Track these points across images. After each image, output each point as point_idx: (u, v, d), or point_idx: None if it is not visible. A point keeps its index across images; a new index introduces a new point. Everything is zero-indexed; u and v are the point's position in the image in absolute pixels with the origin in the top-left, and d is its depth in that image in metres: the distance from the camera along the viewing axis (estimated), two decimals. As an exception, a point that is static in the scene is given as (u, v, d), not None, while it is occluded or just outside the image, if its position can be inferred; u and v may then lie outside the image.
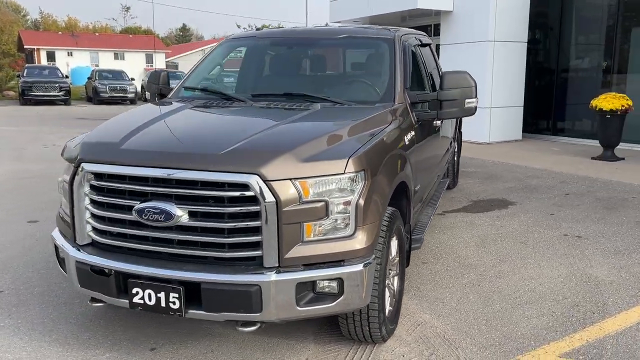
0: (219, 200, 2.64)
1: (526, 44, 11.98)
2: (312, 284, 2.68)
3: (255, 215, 2.61)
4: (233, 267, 2.67)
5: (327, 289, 2.71)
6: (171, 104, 3.84)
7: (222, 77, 4.65)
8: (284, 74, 4.27)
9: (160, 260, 2.77)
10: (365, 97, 3.79)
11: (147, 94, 5.38)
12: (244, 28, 50.76)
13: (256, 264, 2.67)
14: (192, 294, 2.66)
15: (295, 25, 16.91)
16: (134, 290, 2.73)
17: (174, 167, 2.69)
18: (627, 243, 4.97)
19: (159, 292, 2.69)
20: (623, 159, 9.37)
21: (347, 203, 2.70)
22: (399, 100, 3.73)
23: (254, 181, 2.57)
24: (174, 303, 2.67)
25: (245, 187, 2.60)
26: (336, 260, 2.71)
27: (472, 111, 3.85)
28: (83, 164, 2.89)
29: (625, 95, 9.21)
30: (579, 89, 11.97)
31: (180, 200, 2.68)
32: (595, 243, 4.97)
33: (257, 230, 2.63)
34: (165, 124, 3.30)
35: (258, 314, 2.63)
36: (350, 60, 4.36)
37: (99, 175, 2.85)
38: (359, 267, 2.71)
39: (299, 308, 2.66)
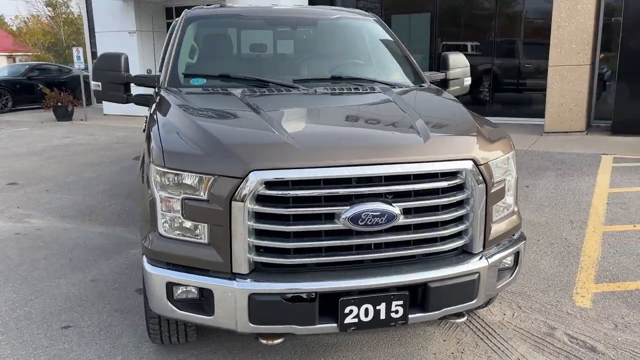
0: (433, 192, 2.47)
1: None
2: (501, 262, 2.75)
3: (462, 203, 2.54)
4: (445, 260, 2.55)
5: (507, 265, 2.81)
6: (219, 94, 3.24)
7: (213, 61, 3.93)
8: (302, 57, 3.89)
9: (366, 269, 2.44)
10: (404, 79, 3.81)
11: (95, 85, 4.07)
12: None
13: (457, 253, 2.60)
14: (413, 297, 2.46)
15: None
16: (347, 310, 2.36)
17: (378, 162, 2.38)
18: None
19: (378, 304, 2.39)
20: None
21: (510, 180, 2.83)
22: (426, 80, 3.89)
23: (468, 167, 2.49)
24: (396, 312, 2.42)
25: (454, 175, 2.50)
26: (510, 237, 2.83)
27: (468, 89, 4.26)
28: (253, 173, 2.29)
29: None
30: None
31: (394, 198, 2.40)
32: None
33: (463, 219, 2.56)
34: (305, 117, 2.88)
35: (474, 302, 2.59)
36: (358, 41, 4.22)
37: (273, 184, 2.30)
38: (524, 240, 2.90)
39: (497, 287, 2.71)
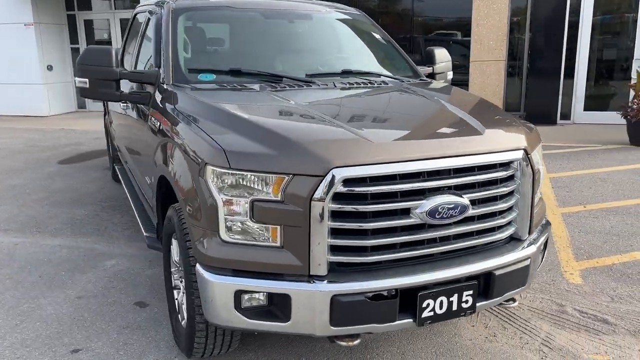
0: (493, 183, 2.54)
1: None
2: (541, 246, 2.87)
3: (514, 192, 2.64)
4: (501, 248, 2.63)
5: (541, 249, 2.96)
6: (243, 90, 3.10)
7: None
8: (303, 51, 3.76)
9: (437, 262, 2.45)
10: (406, 72, 3.85)
11: (80, 82, 3.54)
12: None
13: (507, 241, 2.70)
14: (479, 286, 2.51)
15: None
16: (425, 304, 2.36)
17: (447, 155, 2.40)
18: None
19: (452, 296, 2.42)
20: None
21: (542, 169, 2.95)
22: (422, 74, 3.97)
23: (520, 157, 2.59)
24: (466, 302, 2.46)
25: (508, 165, 2.58)
26: (542, 222, 2.99)
27: (450, 82, 4.41)
28: (334, 171, 2.20)
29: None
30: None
31: (462, 190, 2.43)
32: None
33: (514, 207, 2.65)
34: (357, 113, 2.85)
35: (525, 286, 2.70)
36: (354, 36, 4.15)
37: (352, 181, 2.23)
38: (550, 224, 3.07)
39: (536, 270, 2.85)
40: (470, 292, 2.45)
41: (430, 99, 3.10)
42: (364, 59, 3.90)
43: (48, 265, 4.13)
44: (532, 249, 2.67)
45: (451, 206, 2.35)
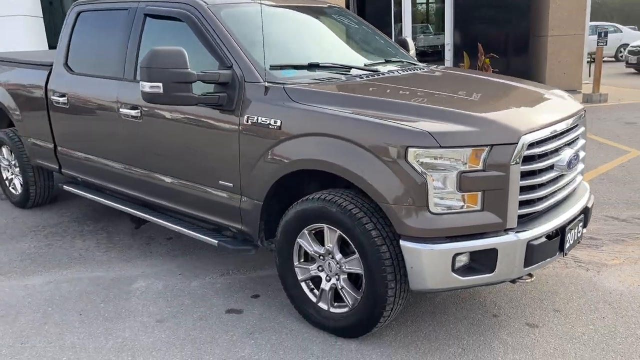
0: (580, 135, 3.26)
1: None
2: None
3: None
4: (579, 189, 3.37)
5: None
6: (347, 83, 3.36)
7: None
8: (344, 45, 3.97)
9: (564, 203, 3.08)
10: (412, 59, 4.33)
11: (152, 87, 2.91)
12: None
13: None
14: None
15: None
16: (568, 236, 2.98)
17: (563, 118, 3.01)
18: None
19: (577, 227, 3.09)
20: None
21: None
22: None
23: (583, 113, 3.36)
24: (579, 232, 3.15)
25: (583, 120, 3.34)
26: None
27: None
28: (522, 137, 2.66)
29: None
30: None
31: (572, 144, 3.10)
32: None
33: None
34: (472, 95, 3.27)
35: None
36: (358, 28, 4.38)
37: (530, 146, 2.72)
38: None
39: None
40: (581, 223, 3.15)
41: (480, 77, 3.71)
42: (386, 49, 4.28)
43: (81, 302, 3.62)
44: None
45: (575, 157, 3.00)
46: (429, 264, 2.62)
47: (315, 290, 3.13)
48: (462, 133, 2.61)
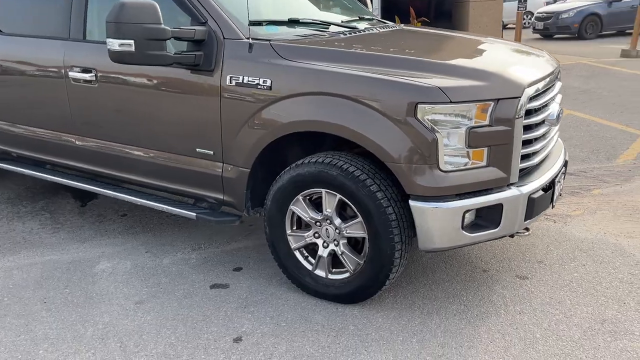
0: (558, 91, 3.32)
1: None
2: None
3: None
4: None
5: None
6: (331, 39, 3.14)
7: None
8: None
9: (551, 157, 3.14)
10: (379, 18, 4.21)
11: (122, 44, 2.45)
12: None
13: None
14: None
15: None
16: (557, 188, 3.06)
17: (549, 73, 3.05)
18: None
19: (561, 179, 3.18)
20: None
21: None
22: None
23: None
24: (561, 184, 3.25)
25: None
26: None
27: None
28: (525, 90, 2.65)
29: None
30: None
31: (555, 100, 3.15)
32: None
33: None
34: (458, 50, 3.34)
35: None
36: None
37: (530, 99, 2.73)
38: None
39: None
40: (564, 176, 3.25)
41: (456, 35, 3.68)
42: (353, 7, 4.11)
43: (41, 289, 3.26)
44: (561, 141, 3.60)
45: (560, 110, 3.06)
46: (440, 222, 2.58)
47: (310, 258, 3.01)
48: (472, 87, 2.56)
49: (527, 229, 2.92)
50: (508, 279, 3.17)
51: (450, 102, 2.48)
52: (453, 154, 2.55)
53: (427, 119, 2.49)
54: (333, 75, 2.69)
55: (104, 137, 3.55)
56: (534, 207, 2.77)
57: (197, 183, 3.26)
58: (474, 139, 2.55)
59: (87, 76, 3.40)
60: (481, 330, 2.70)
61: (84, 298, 3.14)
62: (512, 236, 2.91)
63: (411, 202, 2.59)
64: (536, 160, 2.88)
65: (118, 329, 2.83)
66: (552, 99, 3.05)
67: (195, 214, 3.27)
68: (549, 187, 2.93)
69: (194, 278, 3.32)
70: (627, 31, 17.48)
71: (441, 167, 2.55)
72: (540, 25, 17.48)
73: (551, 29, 17.02)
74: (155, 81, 3.18)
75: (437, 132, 2.50)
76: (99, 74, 3.37)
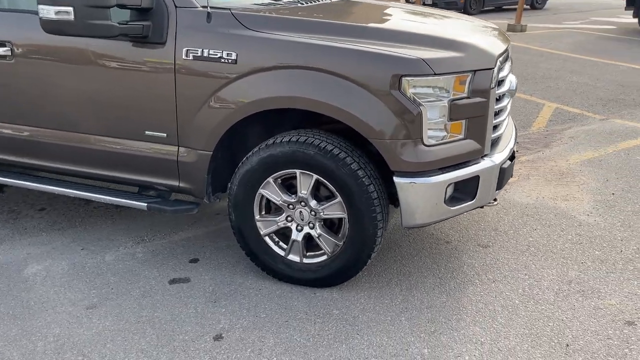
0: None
1: None
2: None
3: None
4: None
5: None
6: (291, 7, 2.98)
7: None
8: None
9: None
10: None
11: (59, 11, 1.81)
12: None
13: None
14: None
15: None
16: (516, 157, 3.15)
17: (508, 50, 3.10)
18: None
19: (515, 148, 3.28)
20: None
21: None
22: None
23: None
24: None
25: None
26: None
27: None
28: (498, 60, 2.67)
29: None
30: None
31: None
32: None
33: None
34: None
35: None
36: None
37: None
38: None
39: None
40: (516, 145, 3.35)
41: (410, 7, 3.63)
42: None
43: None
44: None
45: (515, 81, 3.12)
46: (425, 198, 2.53)
47: (282, 243, 2.85)
48: (452, 59, 2.51)
49: (495, 199, 2.97)
50: (472, 248, 3.23)
51: (435, 74, 2.42)
52: (435, 128, 2.50)
53: (412, 92, 2.41)
54: (307, 47, 2.51)
55: (24, 122, 3.07)
56: (504, 177, 2.82)
57: (146, 170, 2.93)
58: (454, 111, 2.52)
59: (0, 50, 2.90)
60: (464, 301, 2.72)
61: (20, 308, 2.73)
62: (481, 207, 2.94)
63: (396, 179, 2.51)
64: (501, 131, 2.92)
65: (74, 339, 2.49)
66: (510, 70, 3.11)
67: (146, 204, 2.95)
68: (513, 156, 3.00)
69: (147, 274, 3.02)
70: (504, 7, 18.84)
71: (425, 141, 2.49)
72: (429, 0, 18.14)
73: (439, 4, 17.74)
74: (90, 56, 2.78)
75: (422, 105, 2.43)
76: (15, 49, 2.89)
